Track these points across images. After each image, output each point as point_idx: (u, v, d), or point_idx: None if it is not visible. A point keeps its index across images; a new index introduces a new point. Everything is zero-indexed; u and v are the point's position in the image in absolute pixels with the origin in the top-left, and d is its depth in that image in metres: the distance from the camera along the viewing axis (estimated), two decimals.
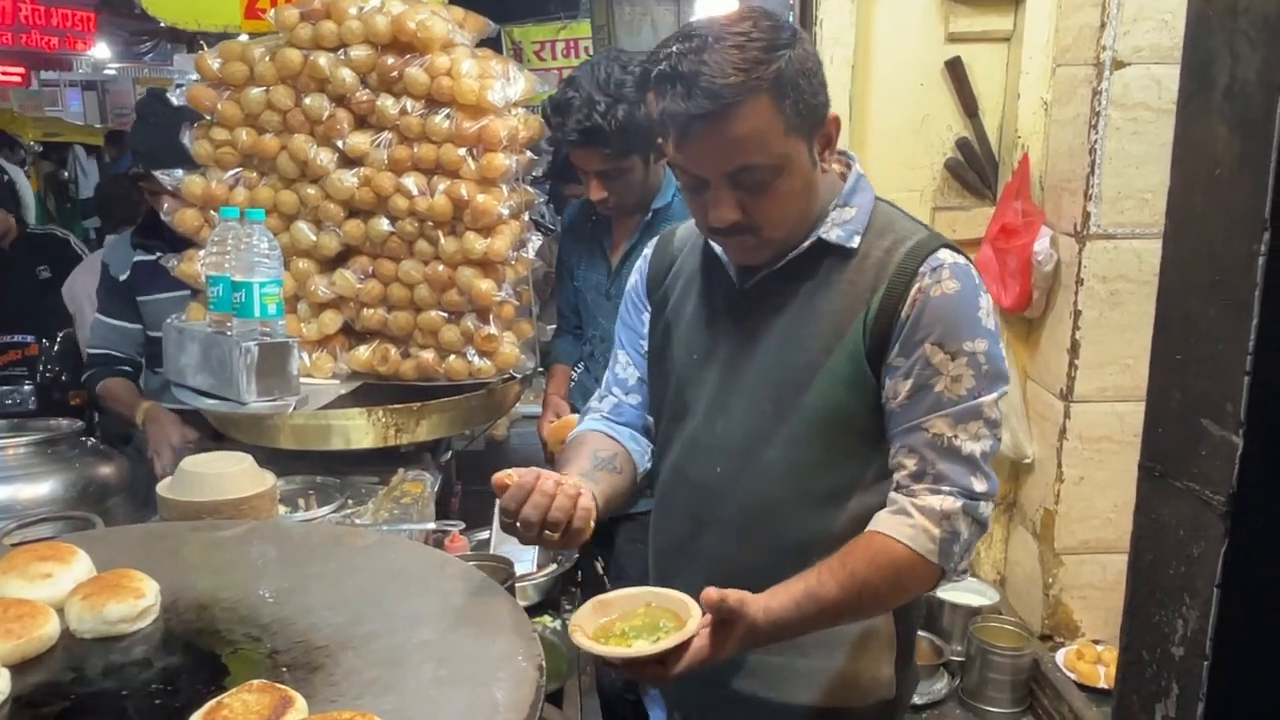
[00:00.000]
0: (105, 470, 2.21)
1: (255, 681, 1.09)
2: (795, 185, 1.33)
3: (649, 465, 1.59)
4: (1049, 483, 3.14)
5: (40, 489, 2.07)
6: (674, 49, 1.29)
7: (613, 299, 2.54)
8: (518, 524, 1.27)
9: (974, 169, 3.13)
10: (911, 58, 3.05)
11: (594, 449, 1.53)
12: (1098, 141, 2.69)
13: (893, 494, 1.36)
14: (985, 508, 1.35)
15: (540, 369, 2.50)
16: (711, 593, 1.20)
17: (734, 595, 1.21)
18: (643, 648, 1.21)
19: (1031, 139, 3.04)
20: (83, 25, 11.45)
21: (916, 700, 3.29)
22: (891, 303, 1.34)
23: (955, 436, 1.32)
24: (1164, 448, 0.80)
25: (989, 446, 1.35)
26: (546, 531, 1.28)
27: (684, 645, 1.20)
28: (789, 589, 1.29)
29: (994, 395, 1.34)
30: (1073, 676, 3.10)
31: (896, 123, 3.13)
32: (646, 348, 1.60)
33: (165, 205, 2.39)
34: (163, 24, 3.17)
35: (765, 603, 1.26)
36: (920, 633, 3.45)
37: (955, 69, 3.04)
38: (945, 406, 1.32)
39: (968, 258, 1.40)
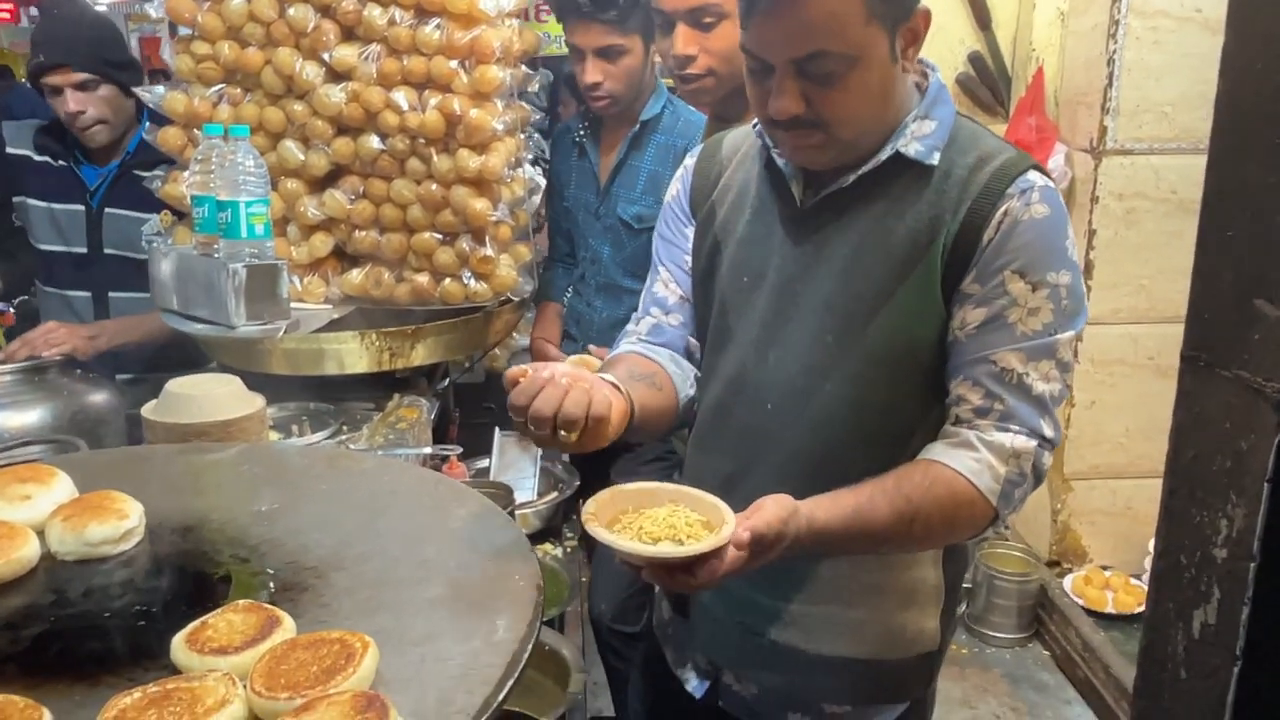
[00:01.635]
0: (96, 398, 2.15)
1: (241, 601, 1.05)
2: (870, 82, 1.20)
3: (692, 393, 1.45)
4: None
5: (29, 417, 2.02)
6: None
7: (601, 218, 2.46)
8: (529, 423, 1.14)
9: (986, 84, 3.03)
10: None
11: (629, 366, 1.38)
12: (1116, 52, 2.59)
13: (951, 427, 1.25)
14: (1048, 458, 1.25)
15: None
16: (742, 536, 1.10)
17: (772, 525, 1.12)
18: (666, 549, 1.09)
19: (1046, 51, 2.94)
20: None
21: None
22: (974, 225, 1.21)
23: (1026, 374, 1.22)
24: (1210, 334, 0.74)
25: (1058, 390, 1.24)
26: (561, 432, 1.14)
27: (715, 552, 1.09)
28: (838, 502, 1.19)
29: (1071, 334, 1.23)
30: (1080, 602, 3.09)
31: None
32: (691, 265, 1.47)
33: (69, 106, 2.31)
34: None
35: (810, 513, 1.16)
36: None
37: None
38: (1019, 340, 1.22)
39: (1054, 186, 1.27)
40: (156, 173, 2.20)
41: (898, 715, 1.42)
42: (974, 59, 3.02)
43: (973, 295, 1.23)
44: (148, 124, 2.42)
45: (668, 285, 1.50)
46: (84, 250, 2.50)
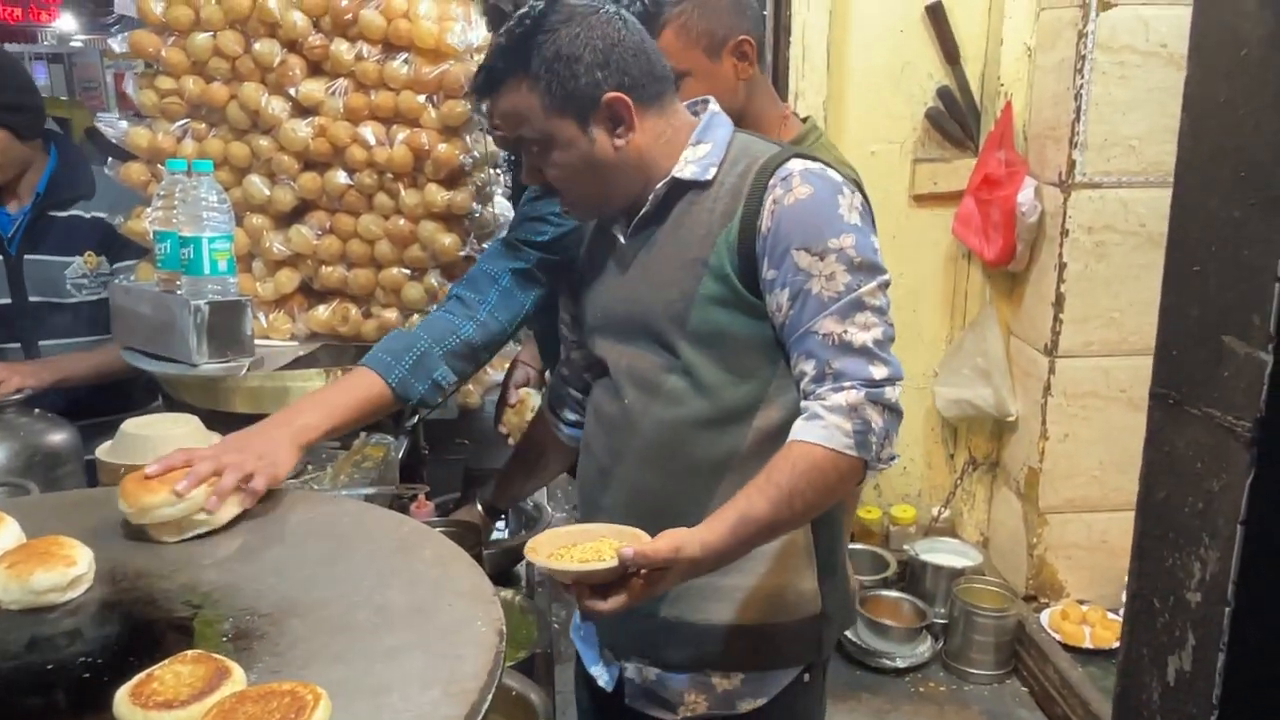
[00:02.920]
0: (54, 439, 2.10)
1: (189, 652, 1.01)
2: (569, 159, 1.43)
3: None
4: (1033, 441, 3.09)
5: None
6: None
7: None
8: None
9: (955, 118, 3.06)
10: (891, 2, 2.97)
11: None
12: (1083, 87, 2.62)
13: (803, 402, 1.40)
14: (891, 391, 1.37)
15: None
16: (626, 553, 1.24)
17: (660, 550, 1.26)
18: (574, 565, 1.26)
19: (1015, 86, 2.96)
20: None
21: (899, 663, 3.26)
22: (749, 219, 1.40)
23: (845, 332, 1.36)
24: (1179, 371, 0.72)
25: (881, 333, 1.37)
26: None
27: (625, 576, 1.27)
28: (723, 517, 1.32)
29: (874, 283, 1.37)
30: (1057, 637, 3.07)
31: (875, 71, 3.05)
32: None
33: None
34: None
35: (702, 537, 1.29)
36: (902, 595, 3.43)
37: (936, 14, 2.96)
38: (828, 305, 1.36)
39: (826, 163, 1.44)
40: (74, 212, 2.15)
41: (790, 683, 1.55)
42: (943, 93, 3.05)
43: (774, 280, 1.39)
44: (58, 162, 2.37)
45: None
46: (8, 301, 2.39)
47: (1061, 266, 2.78)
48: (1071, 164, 2.68)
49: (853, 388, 1.35)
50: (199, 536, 1.32)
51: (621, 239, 1.54)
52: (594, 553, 1.30)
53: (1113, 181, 2.69)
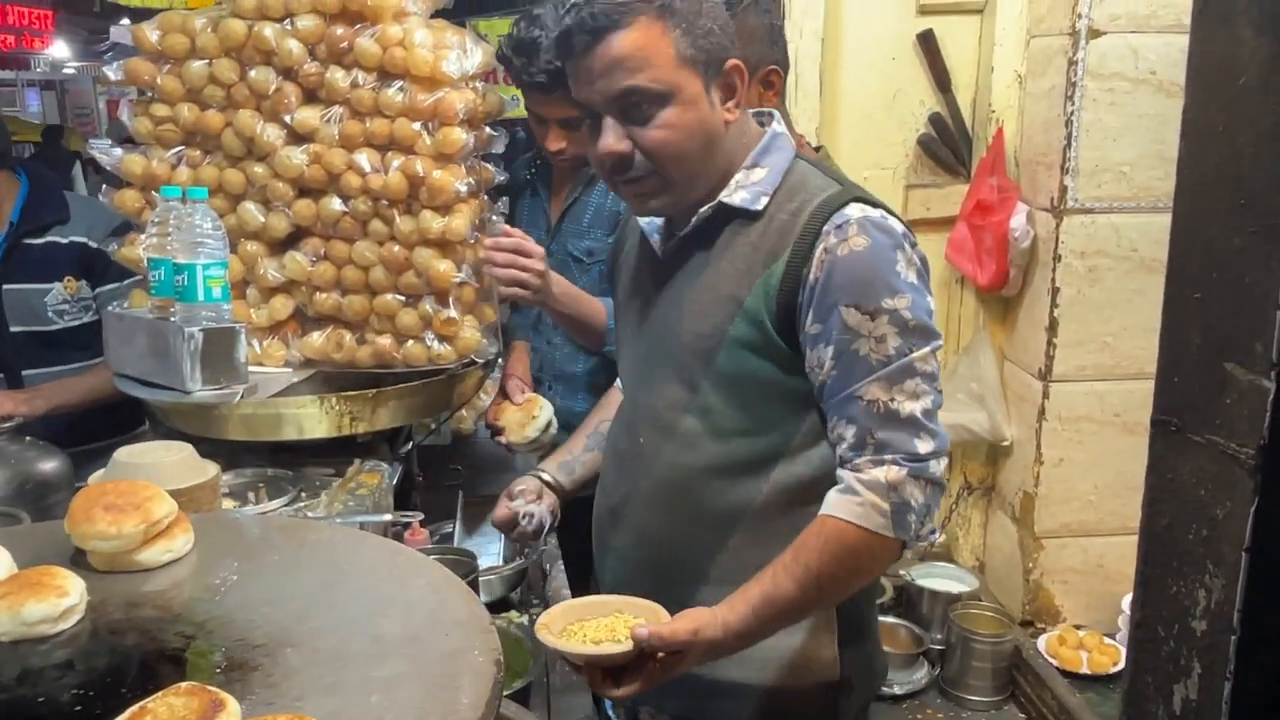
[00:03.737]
0: (45, 467, 2.09)
1: (183, 684, 0.99)
2: (687, 119, 1.28)
3: None
4: (1028, 465, 3.09)
5: None
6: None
7: (553, 254, 2.43)
8: None
9: (947, 145, 3.08)
10: (882, 30, 2.99)
11: (601, 419, 1.63)
12: (1074, 113, 2.63)
13: (839, 471, 1.31)
14: (936, 466, 1.29)
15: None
16: (640, 633, 1.18)
17: (679, 632, 1.19)
18: (585, 648, 1.20)
19: (1006, 113, 2.99)
20: (40, 24, 11.24)
21: (896, 690, 3.24)
22: (796, 266, 1.29)
23: (891, 399, 1.26)
24: (1181, 398, 0.72)
25: (931, 403, 1.28)
26: None
27: (641, 658, 1.20)
28: (745, 597, 1.25)
29: (926, 349, 1.28)
30: (1055, 663, 3.06)
31: (867, 98, 3.07)
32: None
33: None
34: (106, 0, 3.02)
35: (724, 618, 1.23)
36: (898, 620, 3.41)
37: (927, 42, 2.98)
38: (875, 370, 1.26)
39: (888, 210, 1.33)
40: (51, 238, 2.14)
41: None
42: (935, 120, 3.07)
43: (818, 335, 1.29)
44: (29, 189, 2.36)
45: None
46: None
47: (1054, 291, 2.79)
48: (1063, 189, 2.70)
49: (894, 463, 1.26)
50: (162, 567, 1.31)
51: (658, 253, 1.45)
52: (608, 630, 1.23)
53: (1104, 207, 2.71)
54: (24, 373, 2.40)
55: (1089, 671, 3.01)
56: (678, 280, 1.41)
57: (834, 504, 1.28)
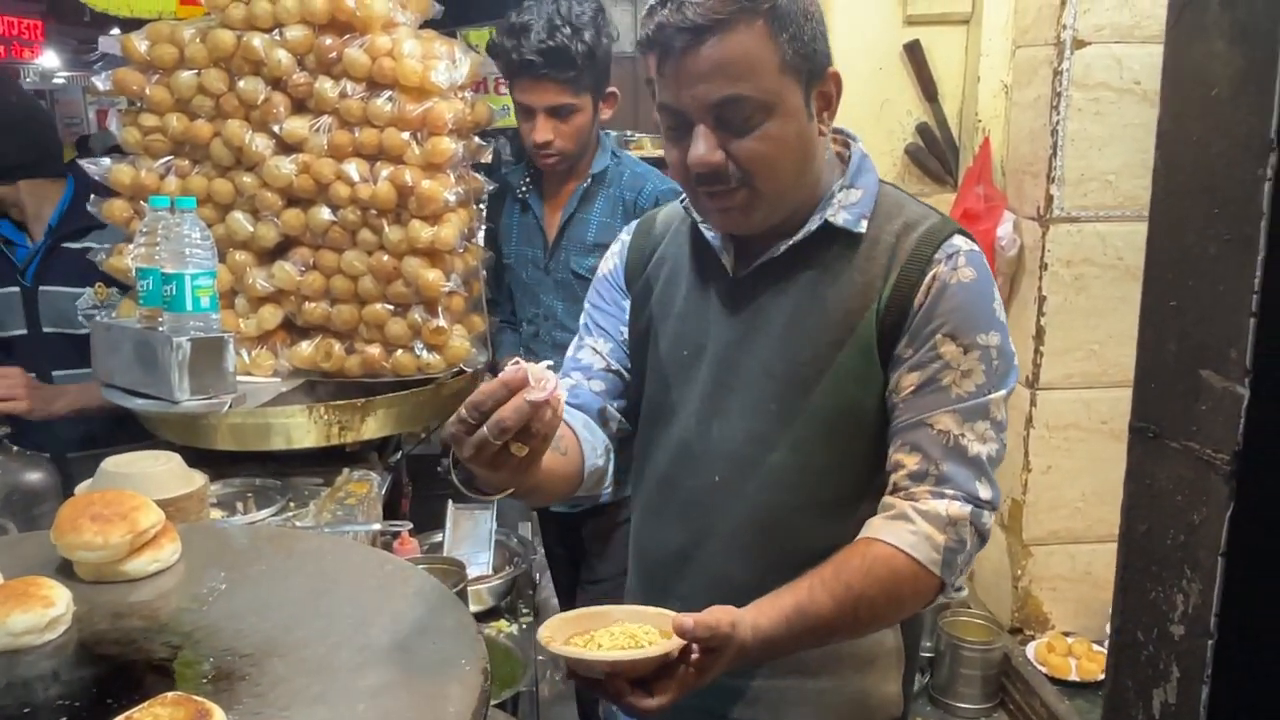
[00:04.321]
0: (32, 477, 2.08)
1: (170, 694, 1.00)
2: (788, 132, 1.19)
3: (600, 463, 1.41)
4: (1016, 473, 3.09)
5: None
6: None
7: (552, 273, 2.43)
8: (488, 427, 1.02)
9: (934, 154, 3.09)
10: (870, 41, 3.00)
11: None
12: (1059, 123, 2.65)
13: (888, 498, 1.24)
14: (989, 518, 1.24)
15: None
16: (685, 620, 1.07)
17: (722, 621, 1.09)
18: (613, 653, 1.08)
19: (992, 122, 3.00)
20: (30, 33, 11.19)
21: None
22: (905, 290, 1.23)
23: (962, 435, 1.22)
24: (1158, 405, 0.73)
25: (995, 451, 1.24)
26: (515, 443, 1.03)
27: (668, 664, 1.09)
28: (778, 604, 1.17)
29: (1003, 392, 1.25)
30: (1044, 670, 3.06)
31: (855, 108, 3.08)
32: (627, 338, 1.47)
33: None
34: (96, 10, 3.03)
35: (754, 620, 1.14)
36: None
37: (914, 52, 3.00)
38: (953, 403, 1.22)
39: (977, 245, 1.28)
40: (88, 243, 2.15)
41: None
42: (922, 130, 3.08)
43: (906, 359, 1.24)
44: (73, 194, 2.37)
45: (596, 352, 1.48)
46: (23, 331, 2.40)
47: (1041, 300, 2.80)
48: (1049, 199, 2.71)
49: (957, 498, 1.21)
50: (149, 577, 1.31)
51: (729, 272, 1.34)
52: (627, 638, 1.12)
53: (1090, 216, 2.72)
54: (54, 373, 2.41)
55: (1078, 678, 3.00)
56: (764, 304, 1.30)
57: (883, 528, 1.21)
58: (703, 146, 1.20)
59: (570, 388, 1.46)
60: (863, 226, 1.27)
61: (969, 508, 1.21)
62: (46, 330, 2.40)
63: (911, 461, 1.23)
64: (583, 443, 1.37)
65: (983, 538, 1.24)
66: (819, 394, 1.26)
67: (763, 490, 1.30)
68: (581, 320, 1.53)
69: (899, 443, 1.25)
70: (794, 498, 1.29)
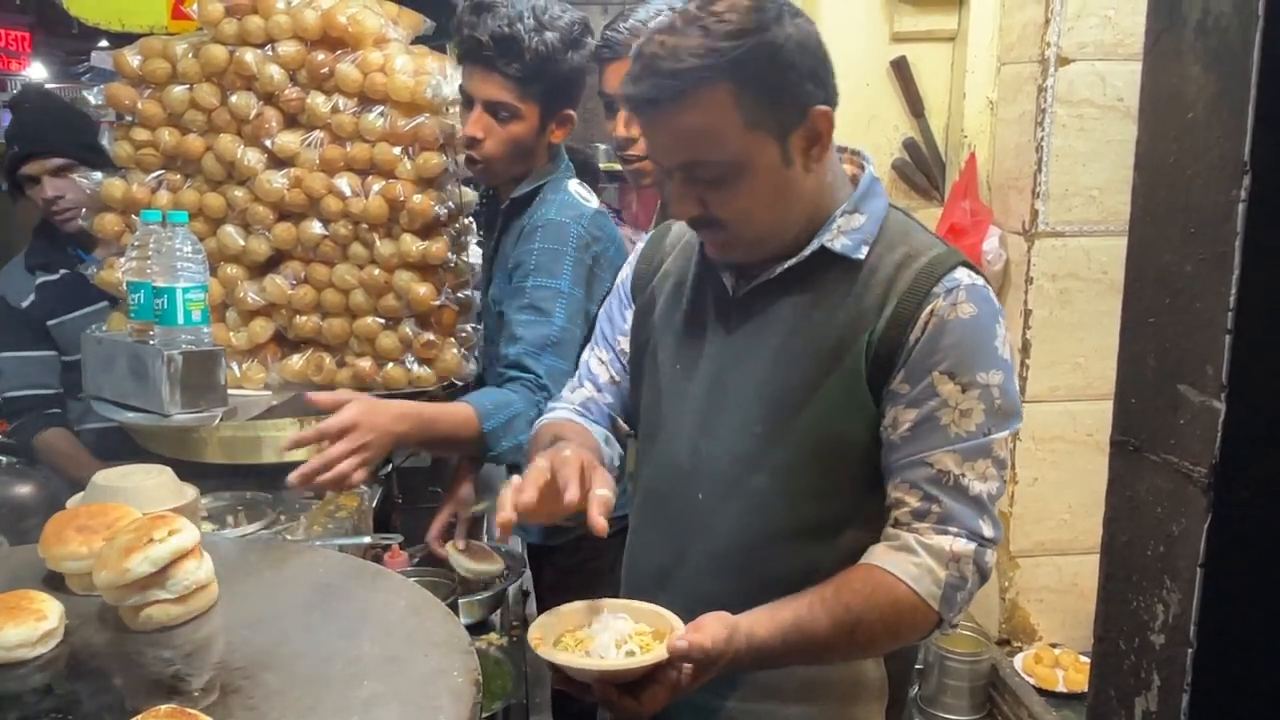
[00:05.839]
0: (22, 490, 2.08)
1: (163, 707, 1.00)
2: (759, 186, 1.20)
3: (618, 473, 1.44)
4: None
5: None
6: (643, 22, 1.23)
7: (486, 300, 2.24)
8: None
9: (921, 169, 3.12)
10: (857, 57, 3.03)
11: (581, 439, 1.38)
12: (1044, 139, 2.68)
13: (891, 529, 1.23)
14: (991, 556, 1.24)
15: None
16: (680, 645, 1.08)
17: (717, 641, 1.09)
18: (603, 663, 1.09)
19: (978, 138, 3.03)
20: (17, 45, 11.18)
21: None
22: (900, 323, 1.21)
23: (962, 475, 1.20)
24: (1138, 419, 0.75)
25: (995, 489, 1.22)
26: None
27: (659, 669, 1.09)
28: (776, 616, 1.16)
29: (1005, 433, 1.22)
30: (1031, 681, 3.07)
31: (842, 123, 3.09)
32: (629, 349, 1.47)
33: (46, 193, 2.27)
34: (86, 23, 3.04)
35: (750, 628, 1.14)
36: None
37: (901, 69, 3.03)
38: (953, 442, 1.20)
39: (986, 280, 1.27)
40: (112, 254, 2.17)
41: None
42: (909, 145, 3.11)
43: (903, 395, 1.22)
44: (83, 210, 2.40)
45: (603, 363, 1.50)
46: None
47: (1027, 314, 2.83)
48: (1034, 213, 2.74)
49: (961, 535, 1.20)
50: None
51: (730, 290, 1.32)
52: (617, 640, 1.13)
53: (1074, 230, 2.75)
54: None
55: (1065, 689, 3.02)
56: (758, 325, 1.29)
57: (885, 557, 1.20)
58: (679, 202, 1.24)
59: (585, 400, 1.49)
60: (863, 253, 1.25)
61: (973, 545, 1.20)
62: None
63: (913, 499, 1.22)
64: (605, 459, 1.38)
65: (984, 576, 1.23)
66: (804, 419, 1.25)
67: (744, 513, 1.29)
68: (597, 326, 1.54)
69: (898, 480, 1.23)
70: (774, 522, 1.28)
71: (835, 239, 1.25)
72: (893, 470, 1.24)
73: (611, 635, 1.13)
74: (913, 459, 1.22)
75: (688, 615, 1.18)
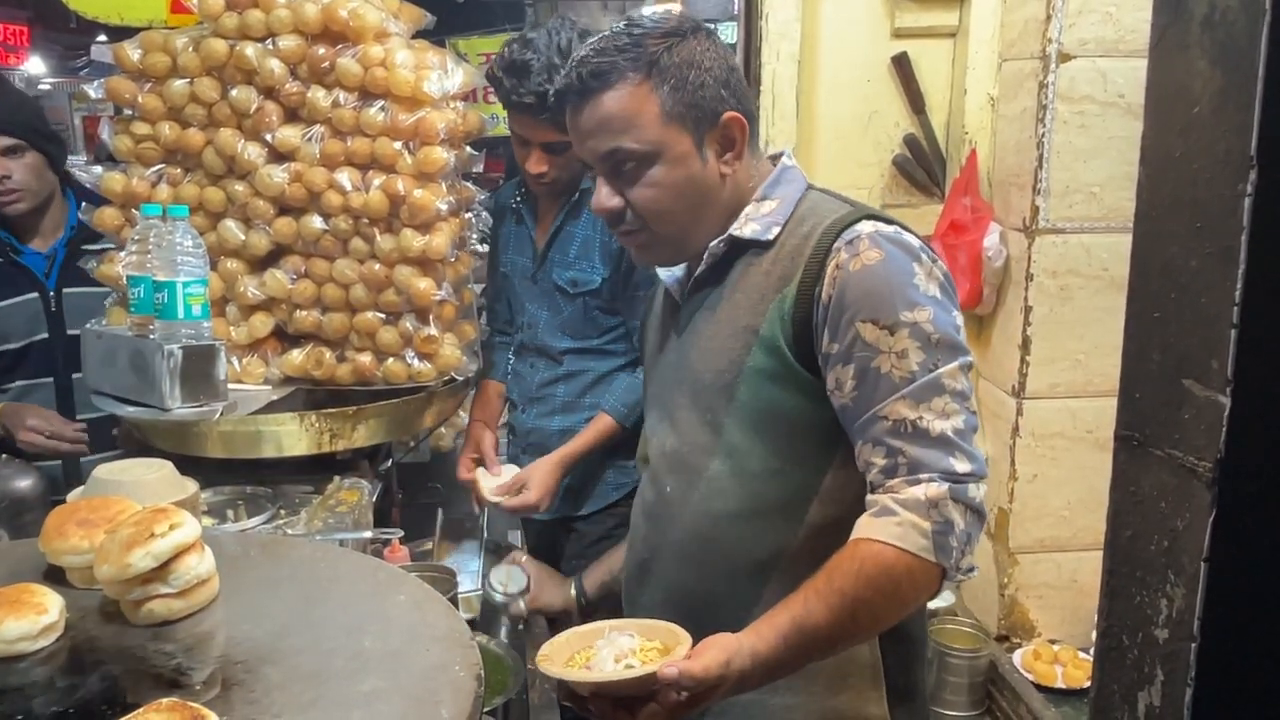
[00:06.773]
0: (21, 485, 2.08)
1: (164, 700, 1.00)
2: (675, 177, 1.29)
3: None
4: (1002, 481, 3.11)
5: None
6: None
7: (539, 283, 2.39)
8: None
9: (922, 166, 3.11)
10: (858, 54, 3.03)
11: None
12: (1045, 135, 2.67)
13: (870, 496, 1.21)
14: (975, 489, 1.19)
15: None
16: (668, 673, 1.08)
17: (710, 670, 1.09)
18: (596, 675, 1.10)
19: (979, 134, 3.03)
20: (15, 39, 11.15)
21: None
22: (808, 287, 1.24)
23: (920, 418, 1.18)
24: (1142, 414, 0.75)
25: (963, 422, 1.19)
26: None
27: (660, 687, 1.09)
28: (774, 624, 1.15)
29: (954, 364, 1.20)
30: (1030, 677, 3.07)
31: (843, 120, 3.11)
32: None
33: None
34: (84, 18, 3.03)
35: (752, 647, 1.13)
36: None
37: (902, 65, 3.03)
38: (900, 387, 1.18)
39: (904, 226, 1.28)
40: (106, 244, 2.17)
41: None
42: (909, 142, 3.11)
43: (834, 354, 1.22)
44: (83, 204, 2.39)
45: None
46: (45, 336, 2.44)
47: (1027, 310, 2.82)
48: (1035, 210, 2.73)
49: (932, 480, 1.17)
50: None
51: (678, 299, 1.42)
52: (620, 654, 1.14)
53: (1075, 227, 2.75)
54: (74, 376, 2.43)
55: (1064, 686, 3.02)
56: (695, 320, 1.37)
57: (868, 526, 1.19)
58: (601, 193, 1.32)
59: None
60: (773, 234, 1.31)
61: (946, 485, 1.16)
62: (70, 332, 2.42)
63: (878, 457, 1.21)
64: None
65: (975, 511, 1.19)
66: (740, 398, 1.29)
67: (704, 500, 1.33)
68: None
69: (861, 442, 1.23)
70: (732, 505, 1.31)
71: (743, 226, 1.33)
72: (855, 434, 1.24)
73: (612, 651, 1.15)
74: (867, 417, 1.21)
75: (665, 607, 1.26)
